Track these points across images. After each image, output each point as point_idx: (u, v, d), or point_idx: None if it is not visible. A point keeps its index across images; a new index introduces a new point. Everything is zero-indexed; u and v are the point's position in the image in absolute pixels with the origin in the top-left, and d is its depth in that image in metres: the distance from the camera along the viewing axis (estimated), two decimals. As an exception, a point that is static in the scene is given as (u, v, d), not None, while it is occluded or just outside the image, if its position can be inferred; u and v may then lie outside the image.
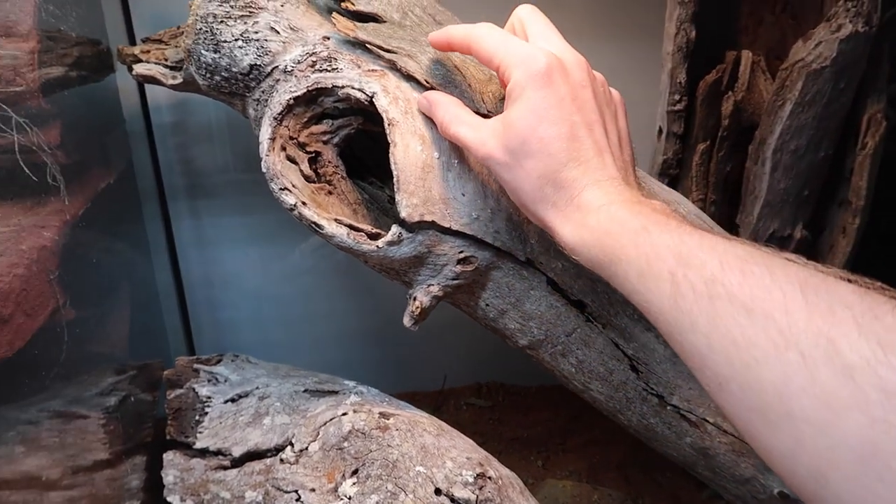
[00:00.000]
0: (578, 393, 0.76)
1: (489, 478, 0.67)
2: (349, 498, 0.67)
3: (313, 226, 0.66)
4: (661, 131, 0.88)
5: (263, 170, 0.66)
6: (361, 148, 0.79)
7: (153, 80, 0.75)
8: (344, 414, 0.73)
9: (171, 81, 0.74)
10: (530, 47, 0.54)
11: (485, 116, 0.66)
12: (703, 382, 0.41)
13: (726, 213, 0.90)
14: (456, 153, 0.66)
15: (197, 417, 0.82)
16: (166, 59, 0.75)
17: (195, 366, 0.88)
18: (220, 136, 1.04)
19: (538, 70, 0.51)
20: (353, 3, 0.67)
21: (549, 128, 0.50)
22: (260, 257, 1.12)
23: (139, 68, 0.75)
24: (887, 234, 1.03)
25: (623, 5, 1.04)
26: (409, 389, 1.15)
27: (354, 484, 0.68)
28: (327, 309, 1.16)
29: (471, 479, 0.66)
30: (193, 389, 0.85)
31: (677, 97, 0.83)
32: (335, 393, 0.80)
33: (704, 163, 0.85)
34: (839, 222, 0.84)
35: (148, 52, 0.76)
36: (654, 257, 0.42)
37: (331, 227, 0.65)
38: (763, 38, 0.89)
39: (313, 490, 0.69)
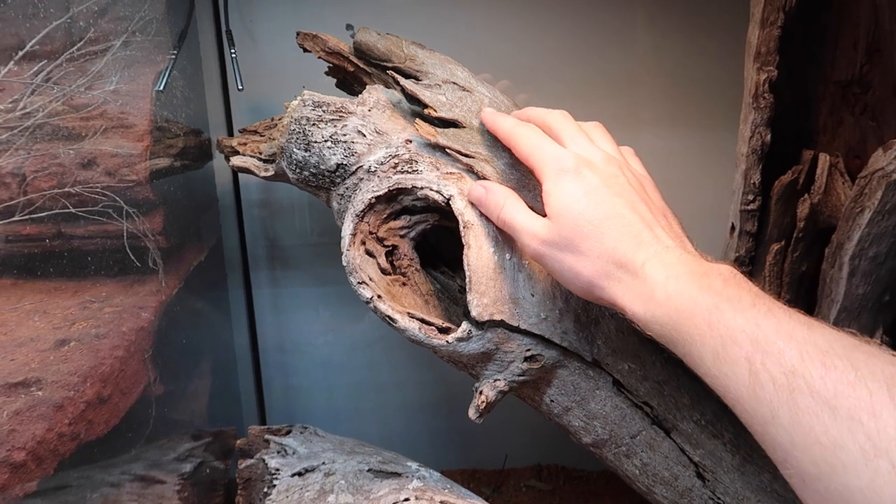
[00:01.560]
0: (642, 494, 0.75)
1: (548, 581, 0.66)
2: (407, 588, 0.68)
3: (387, 319, 0.69)
4: (733, 228, 0.88)
5: (344, 263, 0.70)
6: (435, 236, 0.82)
7: (248, 172, 0.81)
8: (406, 500, 0.75)
9: (263, 174, 0.80)
10: (561, 149, 0.58)
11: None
12: (786, 476, 0.40)
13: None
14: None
15: (265, 489, 0.85)
16: (260, 153, 0.81)
17: (266, 436, 0.91)
18: (301, 210, 1.10)
19: (568, 167, 0.56)
20: (435, 110, 0.72)
21: (596, 209, 0.53)
22: (331, 326, 1.17)
23: (236, 160, 0.81)
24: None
25: (691, 96, 1.05)
26: (470, 466, 1.16)
27: (414, 574, 0.69)
28: (394, 379, 1.18)
29: (529, 582, 0.66)
30: (263, 460, 0.88)
31: (751, 197, 0.83)
32: (398, 475, 0.81)
33: (778, 262, 0.85)
34: (923, 329, 0.82)
35: (245, 144, 0.83)
36: (730, 341, 0.42)
37: (403, 322, 0.68)
38: (842, 138, 0.89)
39: (373, 576, 0.71)
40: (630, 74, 1.08)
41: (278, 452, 0.89)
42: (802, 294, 0.87)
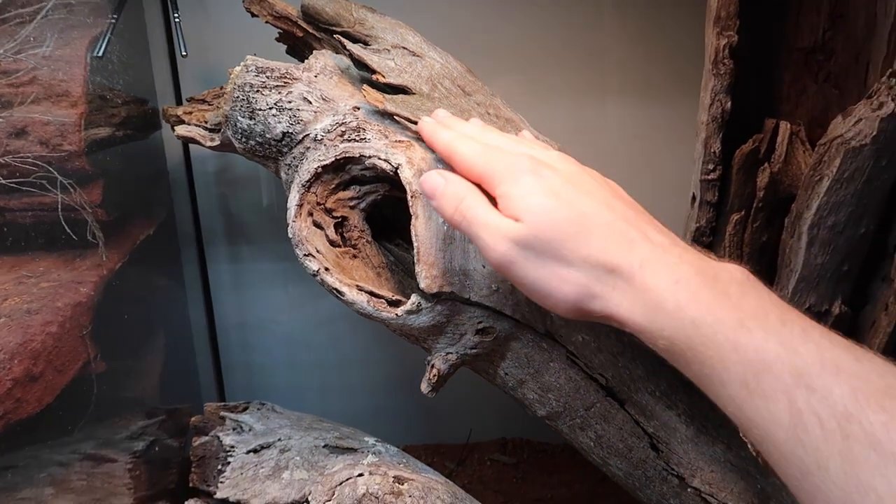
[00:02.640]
0: (598, 466, 0.74)
1: (499, 555, 0.66)
2: (358, 564, 0.67)
3: (335, 292, 0.67)
4: (694, 198, 0.87)
5: (290, 235, 0.68)
6: (389, 208, 0.80)
7: (194, 141, 0.79)
8: (360, 475, 0.74)
9: (209, 143, 0.77)
10: (510, 153, 0.49)
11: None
12: None
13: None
14: (478, 224, 0.66)
15: (220, 467, 0.83)
16: (206, 122, 0.78)
17: (222, 413, 0.90)
18: (259, 183, 1.07)
19: (523, 167, 0.47)
20: (383, 76, 0.69)
21: (571, 208, 0.44)
22: (293, 302, 1.14)
23: (180, 130, 0.78)
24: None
25: (658, 66, 1.03)
26: (435, 441, 1.15)
27: (365, 550, 0.68)
28: (358, 356, 1.17)
29: (480, 555, 0.65)
30: (218, 438, 0.86)
31: (711, 166, 0.82)
32: (354, 451, 0.80)
33: (738, 233, 0.84)
34: (881, 298, 0.81)
35: (190, 113, 0.80)
36: (764, 371, 0.35)
37: (351, 294, 0.67)
38: (805, 106, 0.88)
39: (325, 552, 0.70)
40: (597, 45, 1.06)
41: (234, 429, 0.88)
42: (764, 265, 0.87)
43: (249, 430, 0.88)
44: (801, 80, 0.86)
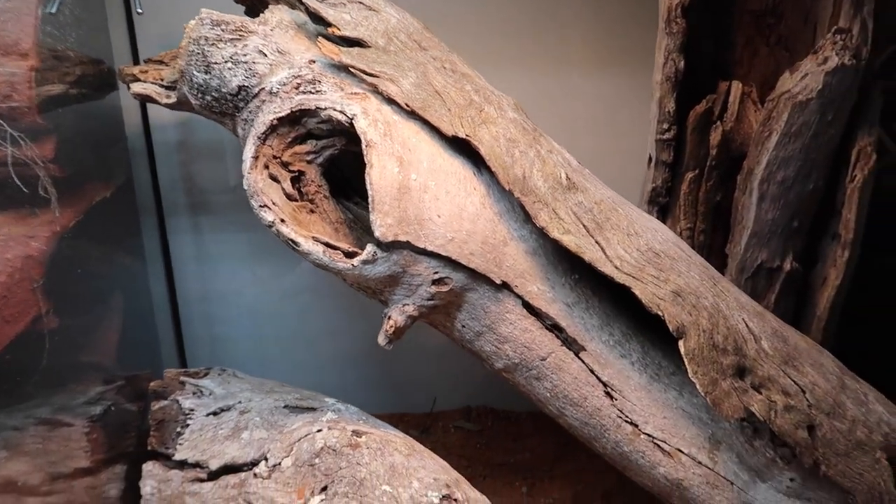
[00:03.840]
0: (554, 418, 0.75)
1: (455, 500, 0.66)
2: (316, 515, 0.67)
3: (290, 243, 0.67)
4: (650, 159, 0.88)
5: (245, 187, 0.68)
6: (349, 167, 0.80)
7: (149, 99, 0.78)
8: (318, 431, 0.74)
9: (165, 100, 0.77)
10: None
11: (461, 140, 0.67)
12: None
13: (717, 243, 0.89)
14: (433, 176, 0.67)
15: (178, 429, 0.83)
16: (162, 79, 0.78)
17: (182, 378, 0.89)
18: (223, 154, 1.07)
19: None
20: (339, 28, 0.69)
21: None
22: (259, 275, 1.14)
23: (136, 87, 0.78)
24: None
25: (618, 33, 1.05)
26: (400, 410, 1.15)
27: (322, 501, 0.68)
28: (324, 328, 1.17)
29: (436, 500, 0.65)
30: (178, 402, 0.86)
31: (665, 126, 0.83)
32: (313, 410, 0.80)
33: (693, 192, 0.85)
34: (831, 255, 0.83)
35: (146, 72, 0.79)
36: None
37: (307, 245, 0.67)
38: (758, 69, 0.89)
39: (282, 506, 0.70)
40: (557, 16, 1.07)
41: (193, 394, 0.87)
42: (719, 224, 0.88)
43: (210, 394, 0.88)
44: (753, 43, 0.88)
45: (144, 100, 0.78)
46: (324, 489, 0.69)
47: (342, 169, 0.79)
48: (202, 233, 1.09)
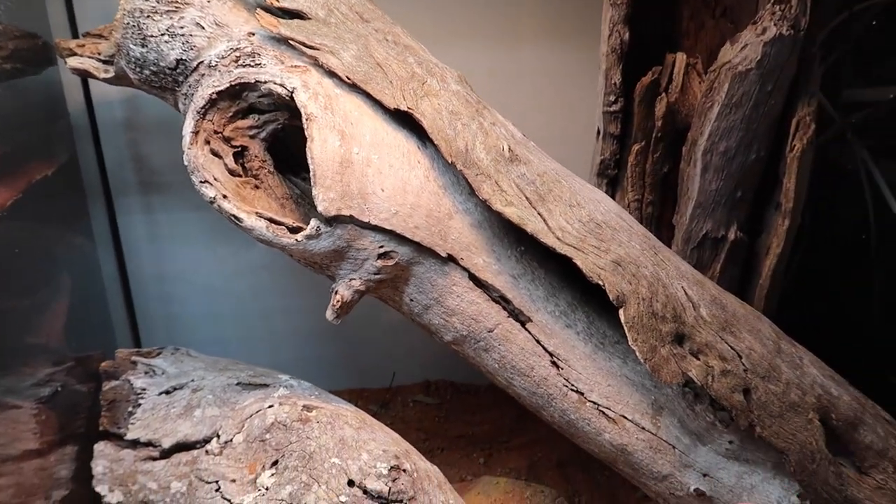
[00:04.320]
0: (503, 388, 0.76)
1: (404, 470, 0.67)
2: (266, 489, 0.68)
3: (233, 218, 0.67)
4: (599, 132, 0.89)
5: (185, 162, 0.67)
6: (295, 143, 0.79)
7: (87, 74, 0.76)
8: (270, 406, 0.74)
9: (103, 75, 0.75)
10: None
11: (404, 113, 0.67)
12: None
13: (666, 215, 0.91)
14: (376, 150, 0.66)
15: (130, 409, 0.82)
16: (100, 54, 0.76)
17: (134, 358, 0.88)
18: (172, 130, 1.04)
19: None
20: (277, 0, 0.68)
21: None
22: (214, 253, 1.13)
23: (72, 62, 0.76)
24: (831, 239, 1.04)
25: (566, 6, 1.04)
26: (358, 386, 1.16)
27: (272, 475, 0.68)
28: (281, 306, 1.16)
29: (384, 472, 0.66)
30: (129, 381, 0.85)
31: (612, 98, 0.84)
32: (266, 386, 0.80)
33: (640, 163, 0.86)
34: (774, 224, 0.85)
35: (84, 45, 0.77)
36: None
37: (250, 220, 0.66)
38: (704, 41, 0.90)
39: (234, 481, 0.70)
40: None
41: (146, 373, 0.87)
42: (666, 196, 0.89)
43: (162, 373, 0.87)
44: (699, 16, 0.89)
45: (82, 74, 0.76)
46: (274, 464, 0.69)
47: (289, 145, 0.78)
48: (154, 212, 1.08)
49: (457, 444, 1.02)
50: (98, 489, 0.78)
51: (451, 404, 1.12)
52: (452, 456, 0.98)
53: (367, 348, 1.17)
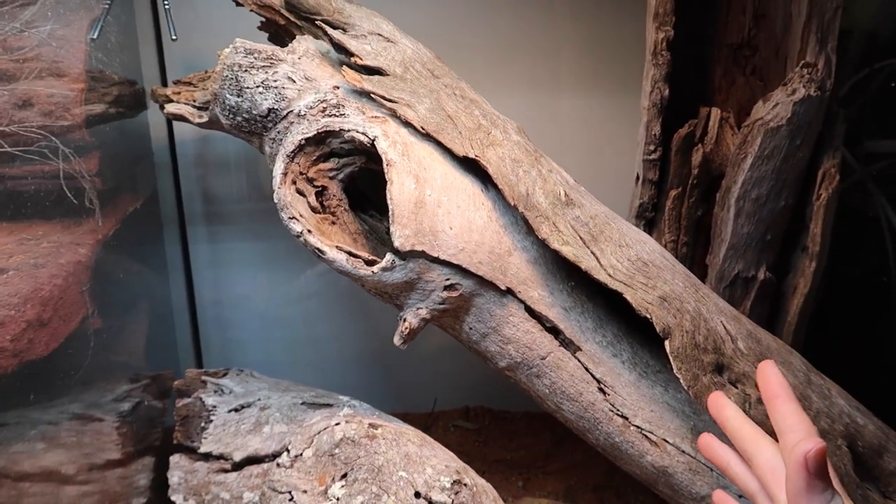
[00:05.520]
0: (552, 413, 0.82)
1: (465, 484, 0.73)
2: (337, 499, 0.74)
3: (316, 251, 0.74)
4: (638, 178, 0.96)
5: (275, 200, 0.75)
6: (365, 183, 0.87)
7: (182, 119, 0.85)
8: (337, 424, 0.80)
9: (197, 120, 0.84)
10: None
11: (471, 161, 0.75)
12: None
13: (699, 256, 0.98)
14: (446, 192, 0.74)
15: (202, 424, 0.89)
16: (194, 101, 0.85)
17: (203, 378, 0.95)
18: (238, 168, 1.14)
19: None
20: (361, 59, 0.77)
21: None
22: (268, 281, 1.21)
23: (170, 107, 0.85)
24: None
25: (607, 59, 1.13)
26: (403, 410, 1.22)
27: (343, 486, 0.75)
28: (329, 332, 1.23)
29: (448, 485, 0.72)
30: (200, 399, 0.92)
31: (652, 147, 0.92)
32: (330, 406, 0.87)
33: (676, 207, 0.93)
34: (801, 266, 0.92)
35: (178, 93, 0.86)
36: None
37: (332, 253, 0.74)
38: (735, 97, 0.98)
39: (305, 492, 0.76)
40: (551, 41, 1.15)
41: (215, 392, 0.94)
42: (700, 238, 0.97)
43: (230, 392, 0.94)
44: (730, 73, 0.97)
45: (177, 119, 0.85)
46: (344, 476, 0.75)
47: (358, 185, 0.86)
48: (217, 241, 1.16)
49: (496, 467, 1.08)
50: (173, 498, 0.85)
51: (489, 429, 1.18)
52: (492, 479, 1.03)
53: (409, 374, 1.23)
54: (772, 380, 0.55)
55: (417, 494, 0.72)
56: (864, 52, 1.09)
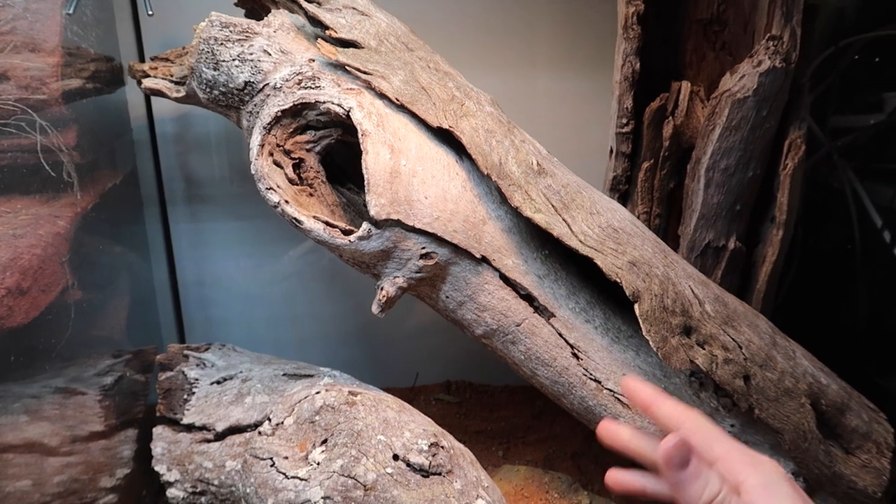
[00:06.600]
0: (527, 379, 0.84)
1: (442, 447, 0.75)
2: (318, 464, 0.75)
3: (294, 221, 0.75)
4: (611, 151, 0.98)
5: (252, 172, 0.76)
6: (342, 157, 0.88)
7: (159, 93, 0.85)
8: (317, 392, 0.82)
9: (175, 95, 0.84)
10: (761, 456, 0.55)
11: (445, 131, 0.76)
12: None
13: (671, 227, 1.00)
14: (421, 162, 0.76)
15: (185, 397, 0.90)
16: (172, 76, 0.85)
17: (185, 352, 0.96)
18: (219, 147, 1.14)
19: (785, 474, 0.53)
20: (336, 31, 0.78)
21: None
22: (250, 261, 1.21)
23: (147, 82, 0.85)
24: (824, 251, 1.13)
25: (582, 38, 1.15)
26: (383, 386, 1.23)
27: (323, 451, 0.76)
28: (311, 310, 1.25)
29: (425, 447, 0.74)
30: (183, 372, 0.93)
31: (624, 121, 0.94)
32: (311, 376, 0.89)
33: (649, 179, 0.95)
34: (769, 235, 0.94)
35: (156, 68, 0.87)
36: None
37: (309, 223, 0.75)
38: (706, 71, 1.00)
39: (286, 458, 0.78)
40: (526, 20, 1.17)
41: (197, 365, 0.95)
42: (672, 209, 0.99)
43: (212, 365, 0.95)
44: (701, 49, 0.99)
45: (155, 94, 0.85)
46: (324, 441, 0.77)
47: (336, 159, 0.87)
48: (198, 221, 1.17)
49: (477, 438, 1.10)
50: (157, 468, 0.86)
51: (469, 402, 1.20)
52: (473, 449, 1.04)
53: (391, 351, 1.25)
54: (639, 393, 0.61)
55: (396, 457, 0.73)
56: (833, 30, 1.12)
